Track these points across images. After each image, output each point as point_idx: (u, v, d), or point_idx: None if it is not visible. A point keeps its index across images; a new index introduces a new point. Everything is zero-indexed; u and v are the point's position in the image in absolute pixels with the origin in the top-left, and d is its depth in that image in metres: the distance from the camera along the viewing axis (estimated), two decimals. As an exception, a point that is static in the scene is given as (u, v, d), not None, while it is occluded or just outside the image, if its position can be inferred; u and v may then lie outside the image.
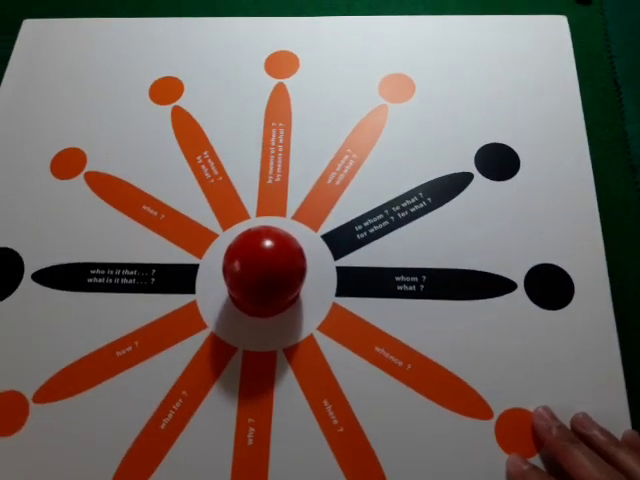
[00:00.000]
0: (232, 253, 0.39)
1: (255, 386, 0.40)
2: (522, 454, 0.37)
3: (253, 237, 0.39)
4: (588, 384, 0.39)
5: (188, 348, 0.41)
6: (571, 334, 0.40)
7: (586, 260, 0.43)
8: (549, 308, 0.41)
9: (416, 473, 0.37)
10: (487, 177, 0.46)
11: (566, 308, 0.41)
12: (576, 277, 0.42)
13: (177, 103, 0.50)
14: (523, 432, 0.38)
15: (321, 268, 0.43)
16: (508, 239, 0.43)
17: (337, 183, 0.46)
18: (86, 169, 0.48)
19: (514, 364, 0.40)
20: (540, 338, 0.40)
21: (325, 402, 0.39)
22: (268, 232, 0.39)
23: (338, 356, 0.41)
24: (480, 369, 0.40)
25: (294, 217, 0.45)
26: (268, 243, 0.38)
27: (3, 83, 0.52)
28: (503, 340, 0.41)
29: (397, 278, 0.43)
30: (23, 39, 0.54)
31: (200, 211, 0.46)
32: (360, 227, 0.45)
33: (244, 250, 0.39)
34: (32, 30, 0.54)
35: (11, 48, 0.53)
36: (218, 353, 0.41)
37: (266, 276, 0.38)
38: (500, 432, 0.38)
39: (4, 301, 0.43)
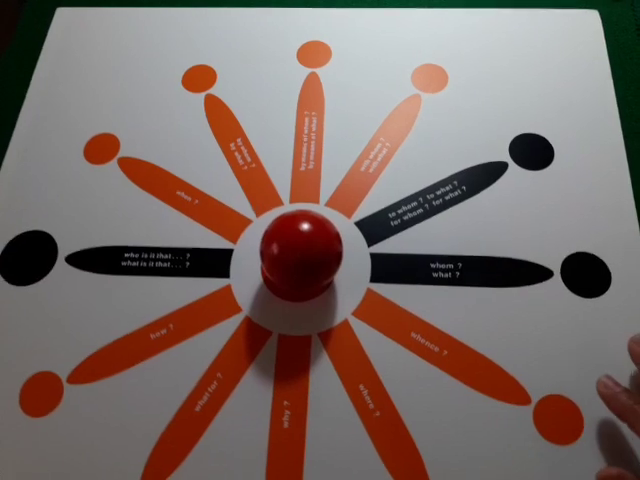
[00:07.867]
0: (270, 235, 0.39)
1: (290, 369, 0.40)
2: (561, 440, 0.37)
3: (291, 220, 0.39)
4: (626, 371, 0.39)
5: (223, 331, 0.41)
6: (608, 322, 0.40)
7: (622, 248, 0.43)
8: (586, 296, 0.41)
9: (453, 457, 0.37)
10: (522, 166, 0.46)
11: (603, 296, 0.41)
12: (612, 265, 0.42)
13: (210, 91, 0.50)
14: (562, 418, 0.38)
15: (355, 254, 0.43)
16: (543, 227, 0.43)
17: (370, 171, 0.46)
18: (119, 155, 0.48)
19: (551, 351, 0.40)
20: (577, 326, 0.40)
21: (361, 386, 0.39)
22: (306, 216, 0.39)
23: (373, 341, 0.41)
24: (517, 356, 0.40)
25: (327, 204, 0.45)
26: (306, 226, 0.38)
27: (36, 70, 0.52)
28: (540, 327, 0.40)
29: (432, 265, 0.43)
30: (56, 27, 0.54)
31: (234, 197, 0.46)
32: (394, 214, 0.45)
33: (282, 232, 0.39)
34: (65, 18, 0.55)
35: (45, 36, 0.54)
36: (253, 337, 0.41)
37: (304, 258, 0.37)
38: (538, 418, 0.38)
39: (38, 283, 0.43)
